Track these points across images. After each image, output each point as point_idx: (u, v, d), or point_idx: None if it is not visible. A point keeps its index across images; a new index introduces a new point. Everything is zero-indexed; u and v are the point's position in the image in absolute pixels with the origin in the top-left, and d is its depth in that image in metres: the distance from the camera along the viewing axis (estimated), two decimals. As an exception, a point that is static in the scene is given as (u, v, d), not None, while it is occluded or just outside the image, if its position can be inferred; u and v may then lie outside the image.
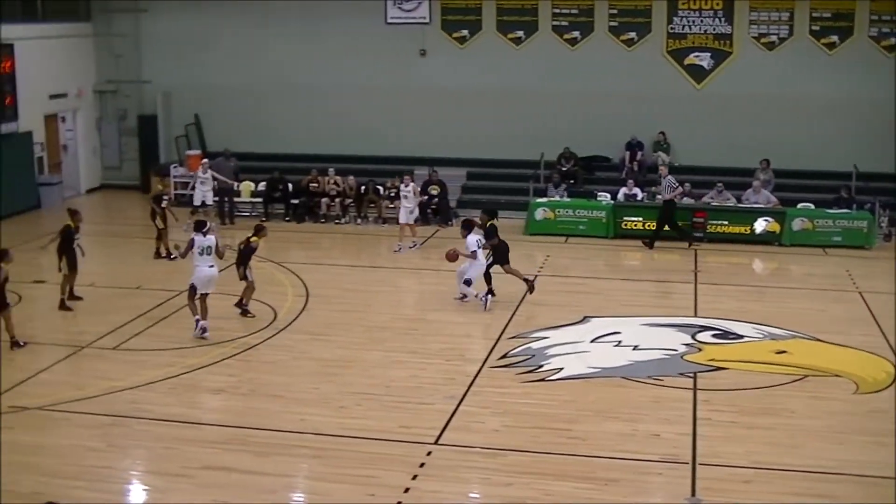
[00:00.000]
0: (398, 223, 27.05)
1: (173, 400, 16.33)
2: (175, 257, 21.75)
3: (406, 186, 26.71)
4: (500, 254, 21.61)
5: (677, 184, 27.03)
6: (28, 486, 13.28)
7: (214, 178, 29.05)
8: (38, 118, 32.00)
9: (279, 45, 32.85)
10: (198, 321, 19.11)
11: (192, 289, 19.23)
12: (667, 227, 26.75)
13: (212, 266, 19.37)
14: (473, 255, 20.90)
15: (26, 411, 15.85)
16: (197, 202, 28.71)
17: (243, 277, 20.49)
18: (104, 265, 24.18)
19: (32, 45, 30.99)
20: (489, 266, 21.49)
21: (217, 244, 19.58)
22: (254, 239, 20.71)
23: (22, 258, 22.40)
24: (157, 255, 25.02)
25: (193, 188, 29.41)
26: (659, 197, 27.29)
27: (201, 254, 19.32)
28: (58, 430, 15.20)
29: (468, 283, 20.95)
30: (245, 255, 20.52)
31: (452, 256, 21.23)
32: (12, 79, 29.86)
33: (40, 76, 31.47)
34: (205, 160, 30.14)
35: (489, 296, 20.92)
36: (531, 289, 21.60)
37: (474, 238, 21.03)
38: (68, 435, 15.03)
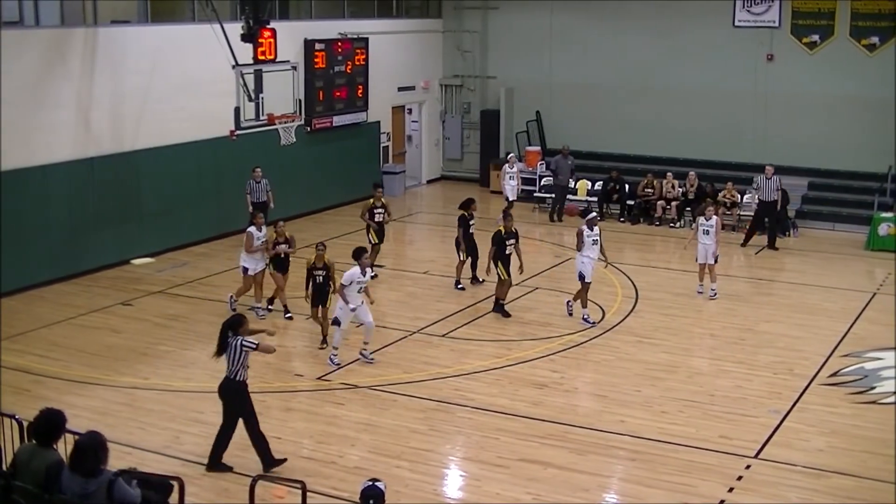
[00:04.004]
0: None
1: (496, 391, 16.74)
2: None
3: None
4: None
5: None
6: (352, 461, 14.03)
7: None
8: (386, 109, 33.49)
9: (623, 44, 32.81)
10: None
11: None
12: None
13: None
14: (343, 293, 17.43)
15: (357, 389, 16.69)
16: (511, 197, 29.19)
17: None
18: (440, 253, 24.98)
19: (385, 39, 32.53)
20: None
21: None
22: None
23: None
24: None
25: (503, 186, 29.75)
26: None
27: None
28: (385, 410, 15.91)
29: (336, 322, 17.60)
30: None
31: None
32: (365, 71, 31.41)
33: (390, 69, 32.96)
34: (511, 155, 30.56)
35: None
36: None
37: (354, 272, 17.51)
38: (394, 415, 15.70)
